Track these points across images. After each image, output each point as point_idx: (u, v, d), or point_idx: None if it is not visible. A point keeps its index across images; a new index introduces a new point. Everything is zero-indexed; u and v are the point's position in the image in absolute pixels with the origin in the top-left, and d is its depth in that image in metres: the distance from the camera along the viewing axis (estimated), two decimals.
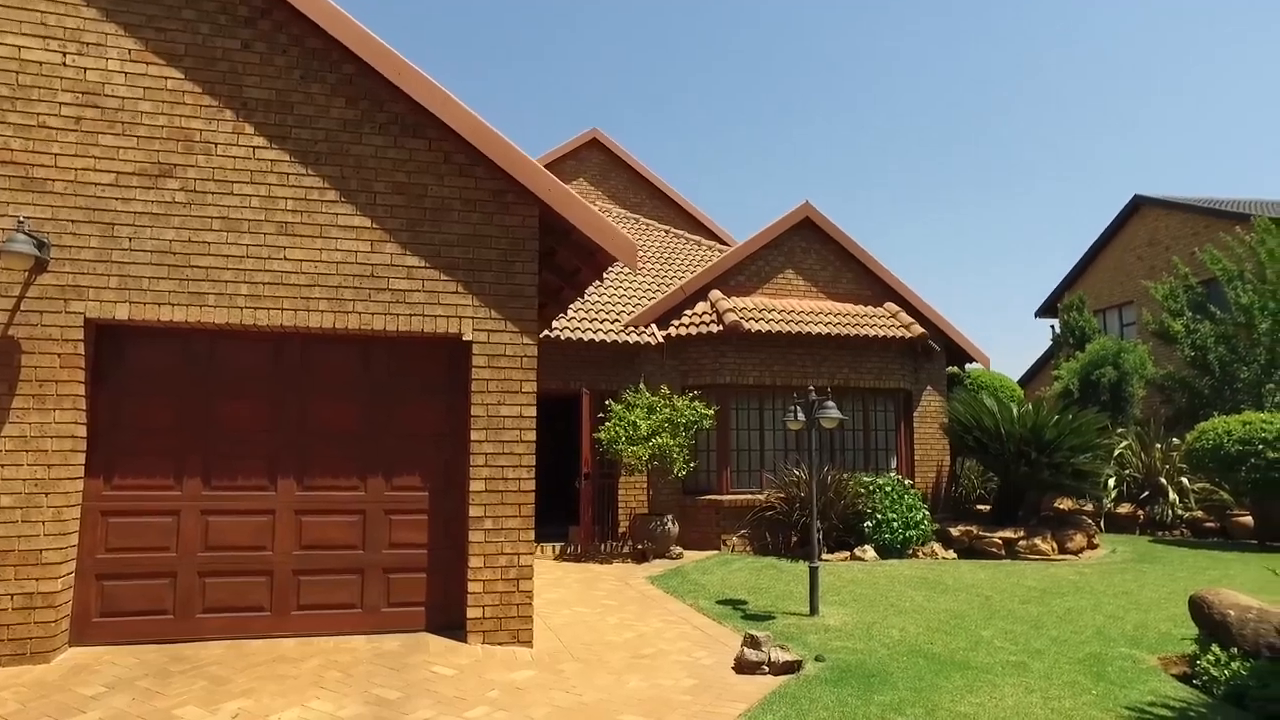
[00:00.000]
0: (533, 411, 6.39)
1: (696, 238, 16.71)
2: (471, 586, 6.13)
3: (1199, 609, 6.02)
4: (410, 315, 6.21)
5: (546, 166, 17.93)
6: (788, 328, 12.29)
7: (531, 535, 6.32)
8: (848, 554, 11.16)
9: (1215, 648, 5.63)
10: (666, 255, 15.58)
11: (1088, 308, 19.30)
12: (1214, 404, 15.79)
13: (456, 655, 5.77)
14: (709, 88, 70.01)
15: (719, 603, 8.09)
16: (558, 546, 11.69)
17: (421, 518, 6.38)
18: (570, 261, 7.42)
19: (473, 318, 6.34)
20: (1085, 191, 64.02)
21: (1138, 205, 21.68)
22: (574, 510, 11.63)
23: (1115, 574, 9.97)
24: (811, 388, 7.77)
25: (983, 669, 5.76)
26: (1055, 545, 11.33)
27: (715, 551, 11.76)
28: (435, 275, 6.29)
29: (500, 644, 6.10)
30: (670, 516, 11.29)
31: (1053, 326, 20.64)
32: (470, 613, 6.10)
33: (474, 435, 6.26)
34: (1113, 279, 22.40)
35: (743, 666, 5.66)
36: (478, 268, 6.40)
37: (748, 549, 11.88)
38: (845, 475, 11.75)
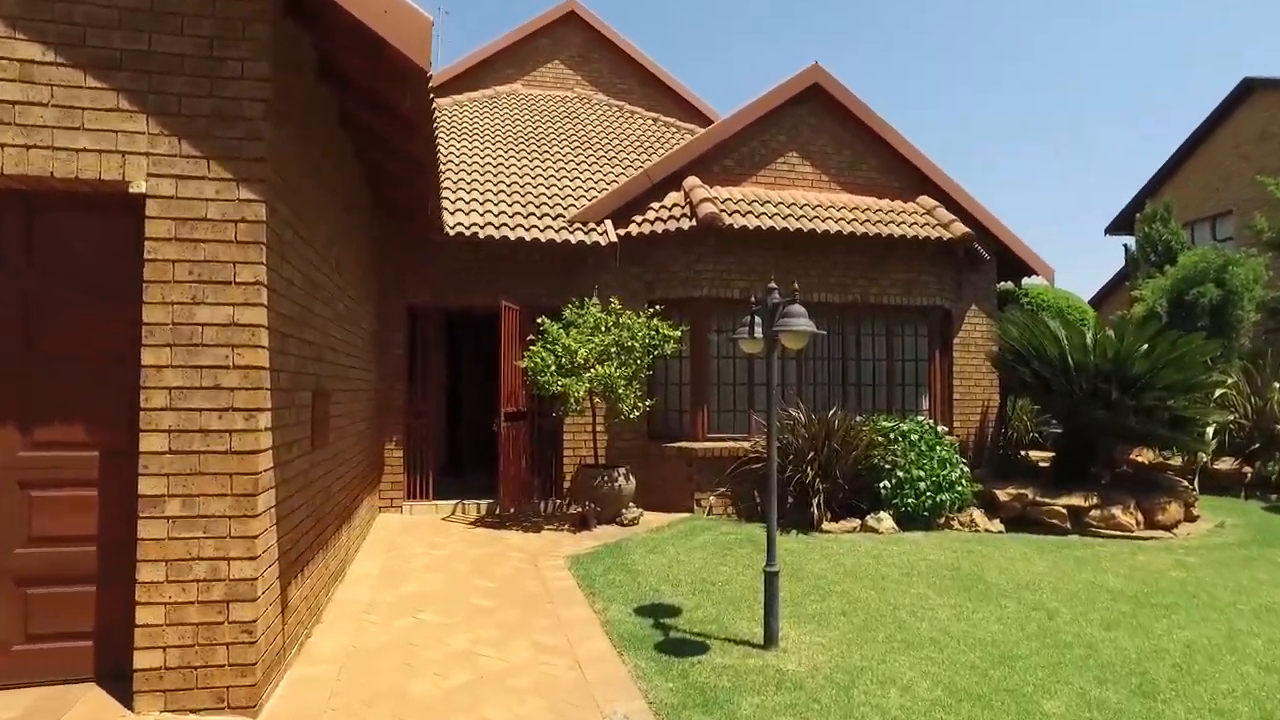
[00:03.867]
0: (260, 318, 3.69)
1: (691, 126, 13.63)
2: (143, 614, 3.56)
3: None
4: (29, 148, 3.50)
5: (515, 45, 14.95)
6: (783, 224, 9.32)
7: (260, 527, 3.69)
8: (857, 523, 8.41)
9: None
10: (649, 144, 12.57)
11: (1175, 218, 15.81)
12: None
13: None
14: None
15: (641, 611, 5.44)
16: (484, 505, 9.15)
17: (87, 493, 3.79)
18: (366, 77, 4.59)
19: (146, 153, 3.62)
20: (1161, 85, 57.57)
21: (1249, 89, 17.73)
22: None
23: (1235, 566, 7.01)
24: (772, 286, 4.91)
25: None
26: (1140, 517, 8.40)
27: (686, 514, 9.12)
28: (74, 78, 3.55)
29: (196, 712, 3.55)
30: (623, 470, 8.63)
31: (1125, 246, 17.19)
32: (140, 659, 3.55)
33: (148, 358, 3.60)
34: (1206, 185, 18.65)
35: None
36: (156, 68, 3.65)
37: (728, 511, 9.20)
38: (858, 419, 8.91)
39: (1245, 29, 51.93)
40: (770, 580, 4.71)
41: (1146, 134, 54.72)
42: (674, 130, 13.51)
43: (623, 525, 8.54)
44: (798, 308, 4.44)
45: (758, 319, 4.98)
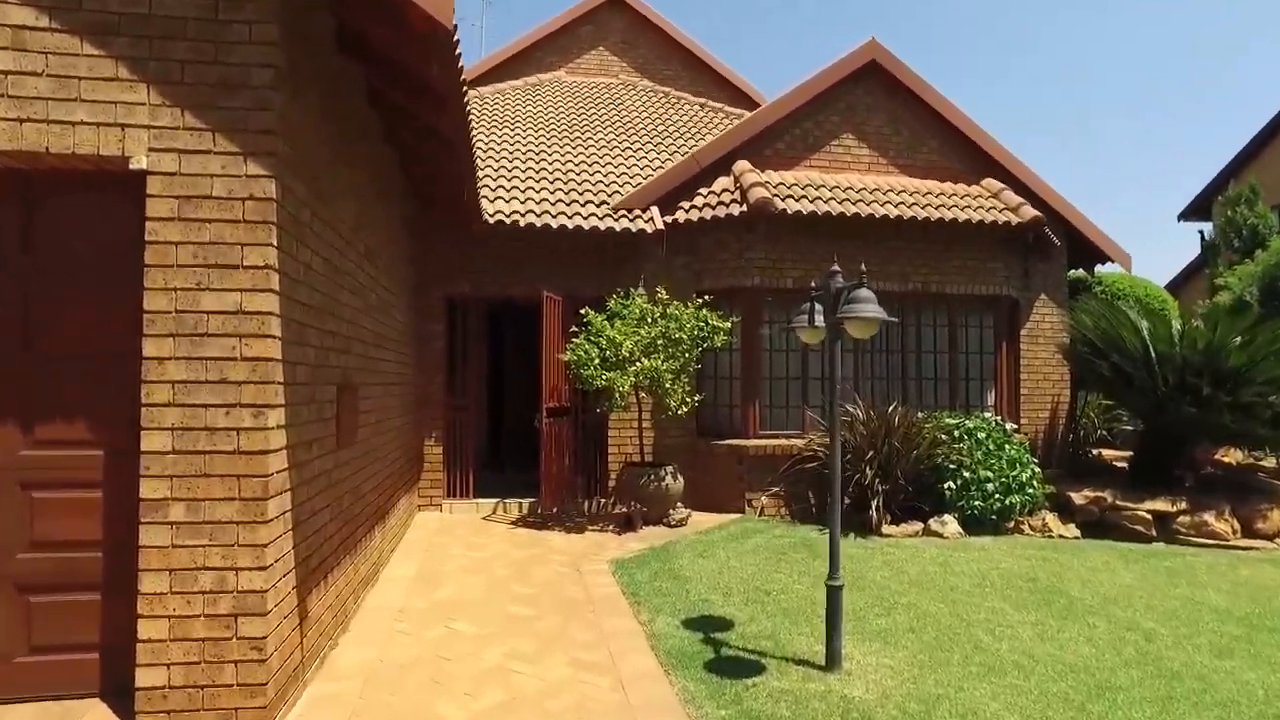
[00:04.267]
0: (269, 305, 3.37)
1: (739, 111, 13.12)
2: (145, 628, 3.26)
3: None
4: (22, 121, 3.23)
5: (557, 32, 14.60)
6: (839, 208, 8.78)
7: (270, 535, 3.37)
8: (920, 527, 7.87)
9: None
10: (696, 130, 12.11)
11: (1261, 200, 14.74)
12: None
13: None
14: None
15: (690, 623, 5.03)
16: (526, 504, 8.82)
17: (91, 495, 3.51)
18: (389, 46, 4.24)
19: (147, 126, 3.31)
20: (1243, 65, 54.86)
21: None
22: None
23: None
24: (835, 270, 4.44)
25: None
26: (1236, 524, 7.69)
27: (736, 515, 8.66)
28: (70, 45, 3.27)
29: None
30: (671, 469, 8.22)
31: (1201, 233, 16.13)
32: (143, 677, 3.25)
33: (149, 349, 3.30)
34: None
35: None
36: (157, 32, 3.34)
37: (781, 512, 8.73)
38: (919, 415, 8.35)
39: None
40: (834, 595, 4.25)
41: (1152, 126, 52.29)
42: (722, 115, 13.02)
43: (670, 526, 8.13)
44: (865, 292, 3.96)
45: (818, 306, 4.52)
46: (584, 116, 12.22)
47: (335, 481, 4.55)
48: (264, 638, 3.31)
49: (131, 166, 3.29)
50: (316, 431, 4.14)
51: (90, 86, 3.26)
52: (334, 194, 4.49)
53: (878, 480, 7.88)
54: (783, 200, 8.72)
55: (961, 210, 9.19)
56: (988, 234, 9.38)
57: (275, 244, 3.39)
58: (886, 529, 7.83)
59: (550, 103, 12.75)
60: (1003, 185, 9.76)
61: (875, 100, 9.82)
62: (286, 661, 3.57)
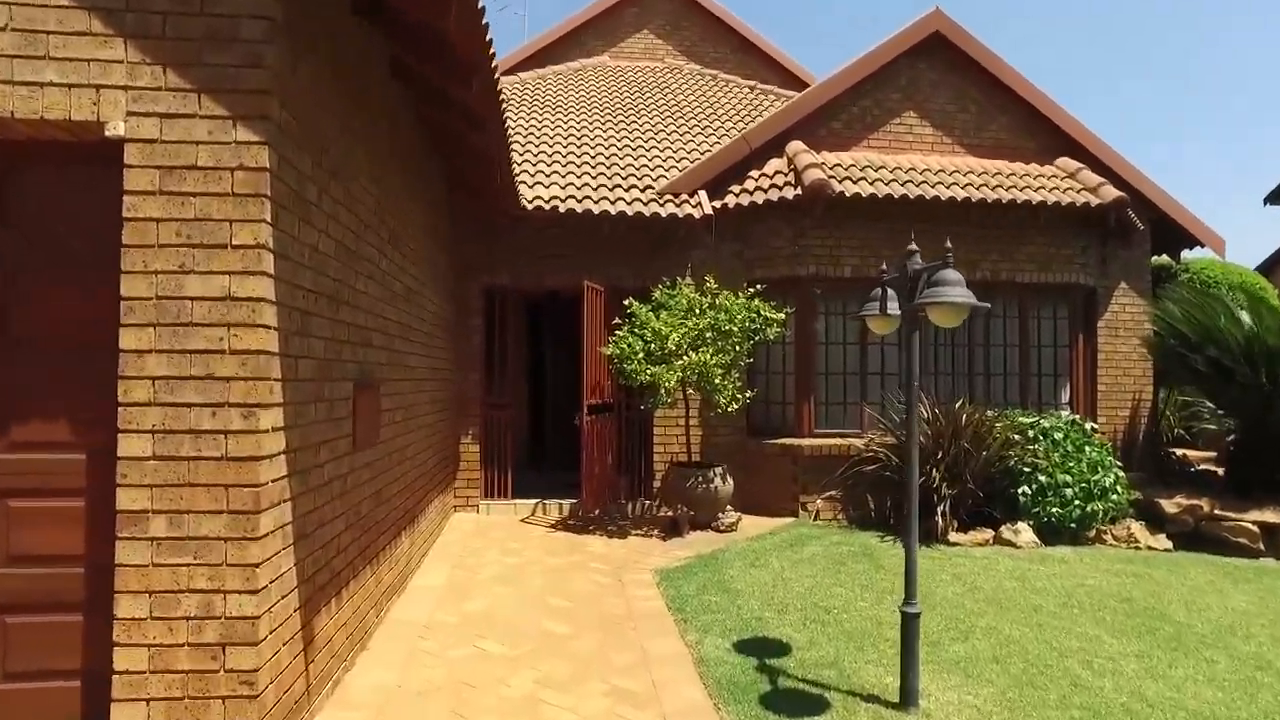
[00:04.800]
0: (262, 290, 2.94)
1: (790, 93, 12.47)
2: (122, 658, 2.88)
3: None
4: None
5: (600, 15, 14.10)
6: (901, 190, 8.15)
7: (263, 553, 2.95)
8: (990, 535, 7.23)
9: None
10: (745, 113, 11.51)
11: None
12: None
13: None
14: None
15: (743, 646, 4.52)
16: (567, 506, 8.39)
17: (73, 504, 3.13)
18: (411, 3, 3.79)
19: (125, 87, 2.91)
20: None
21: None
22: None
23: None
24: (913, 249, 3.88)
25: None
26: None
27: (789, 520, 8.11)
28: None
29: None
30: (720, 470, 7.70)
31: None
32: (119, 714, 2.86)
33: (127, 340, 2.90)
34: None
35: None
36: None
37: (837, 516, 8.15)
38: (989, 413, 7.69)
39: None
40: (910, 624, 3.70)
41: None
42: (772, 98, 12.40)
43: (719, 531, 7.61)
44: (952, 274, 3.41)
45: (891, 292, 3.96)
46: (628, 101, 11.72)
47: (352, 487, 4.14)
48: (255, 670, 2.89)
49: (107, 133, 2.89)
50: (327, 433, 3.72)
51: (60, 43, 2.87)
52: (348, 171, 4.06)
53: (944, 483, 7.25)
54: (840, 182, 8.11)
55: (1035, 191, 8.47)
56: (1063, 217, 8.64)
57: (270, 221, 2.96)
58: (954, 536, 7.21)
59: (593, 87, 12.28)
60: (1080, 164, 9.01)
61: (939, 75, 9.13)
62: (286, 694, 3.15)
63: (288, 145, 3.14)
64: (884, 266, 4.20)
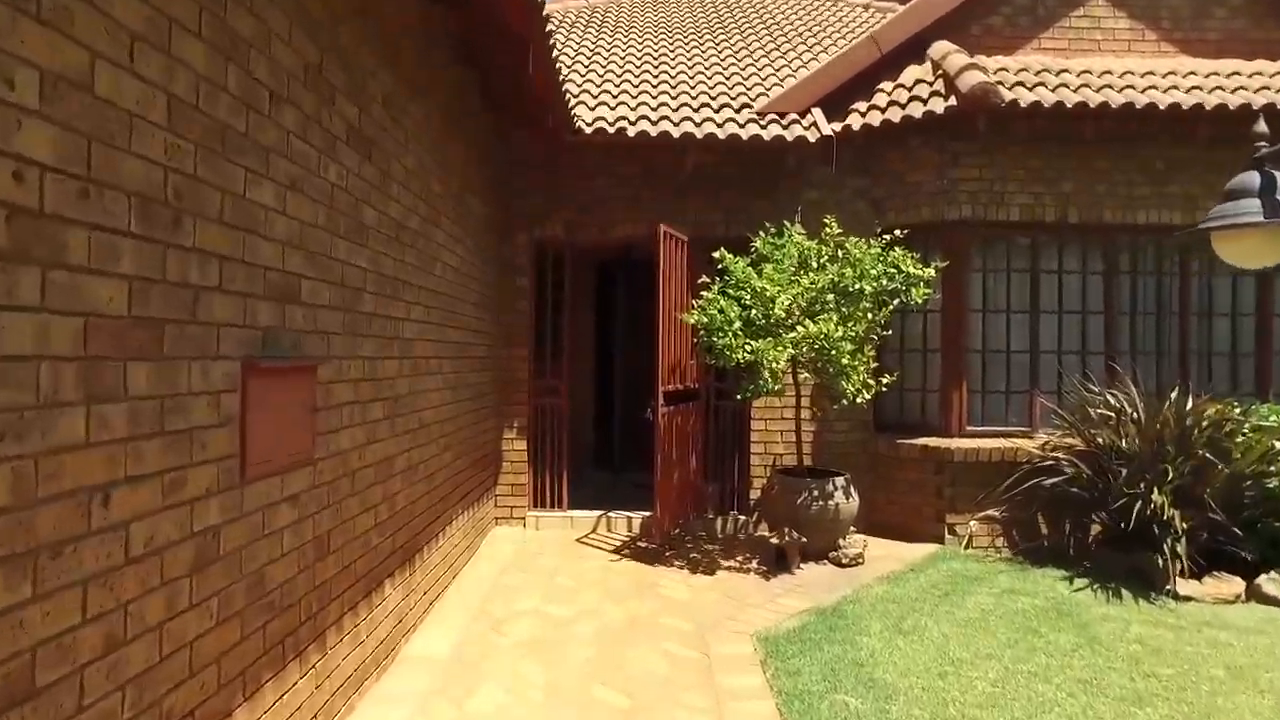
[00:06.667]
0: None
1: None
2: None
3: None
4: None
5: None
6: (1099, 97, 5.88)
7: None
8: (1241, 587, 5.02)
9: None
10: (860, 34, 9.27)
11: None
12: None
13: None
14: None
15: None
16: (638, 521, 6.53)
17: None
18: None
19: None
20: None
21: None
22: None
23: None
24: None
25: None
26: None
27: (931, 547, 6.06)
28: None
29: None
30: (842, 481, 5.71)
31: None
32: None
33: None
34: None
35: None
36: None
37: (995, 543, 6.07)
38: (1230, 409, 5.42)
39: None
40: None
41: None
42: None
43: (840, 565, 5.63)
44: None
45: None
46: (718, 20, 9.65)
47: (228, 554, 2.34)
48: None
49: None
50: (157, 460, 1.93)
51: None
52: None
53: (1172, 509, 5.05)
54: (1010, 89, 5.91)
55: None
56: None
57: None
58: (1184, 586, 5.02)
59: (676, 8, 10.26)
60: None
61: None
62: None
63: None
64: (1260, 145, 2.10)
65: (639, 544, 6.18)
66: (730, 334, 5.24)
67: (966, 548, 6.08)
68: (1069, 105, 5.76)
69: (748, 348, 5.18)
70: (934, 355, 6.45)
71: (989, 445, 6.06)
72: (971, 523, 6.11)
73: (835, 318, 5.20)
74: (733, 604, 4.82)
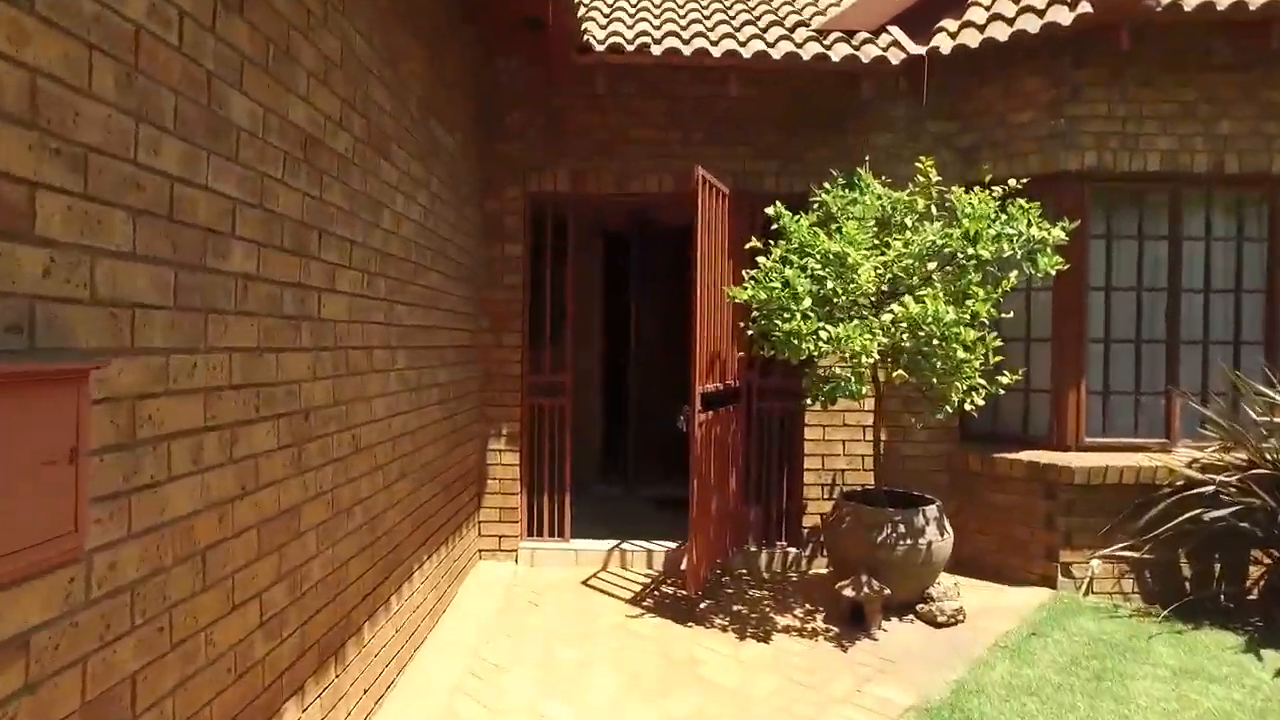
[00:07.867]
0: None
1: None
2: None
3: None
4: None
5: None
6: None
7: None
8: None
9: None
10: None
11: None
12: None
13: None
14: None
15: None
16: (661, 556, 5.13)
17: None
18: None
19: None
20: None
21: None
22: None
23: None
24: None
25: None
26: None
27: (1042, 592, 4.66)
28: None
29: None
30: (932, 512, 4.32)
31: None
32: None
33: None
34: None
35: None
36: None
37: (1121, 586, 4.68)
38: None
39: None
40: None
41: None
42: None
43: (934, 624, 4.23)
44: None
45: None
46: None
47: None
48: None
49: None
50: None
51: None
52: None
53: None
54: None
55: None
56: None
57: None
58: None
59: None
60: None
61: None
62: None
63: None
64: None
65: (664, 588, 4.77)
66: (798, 316, 3.78)
67: (1086, 594, 4.69)
68: (1252, 7, 4.30)
69: (823, 334, 3.73)
70: (1040, 346, 5.04)
71: (1119, 462, 4.64)
72: (1093, 562, 4.70)
73: (943, 293, 3.75)
74: (807, 696, 3.42)
